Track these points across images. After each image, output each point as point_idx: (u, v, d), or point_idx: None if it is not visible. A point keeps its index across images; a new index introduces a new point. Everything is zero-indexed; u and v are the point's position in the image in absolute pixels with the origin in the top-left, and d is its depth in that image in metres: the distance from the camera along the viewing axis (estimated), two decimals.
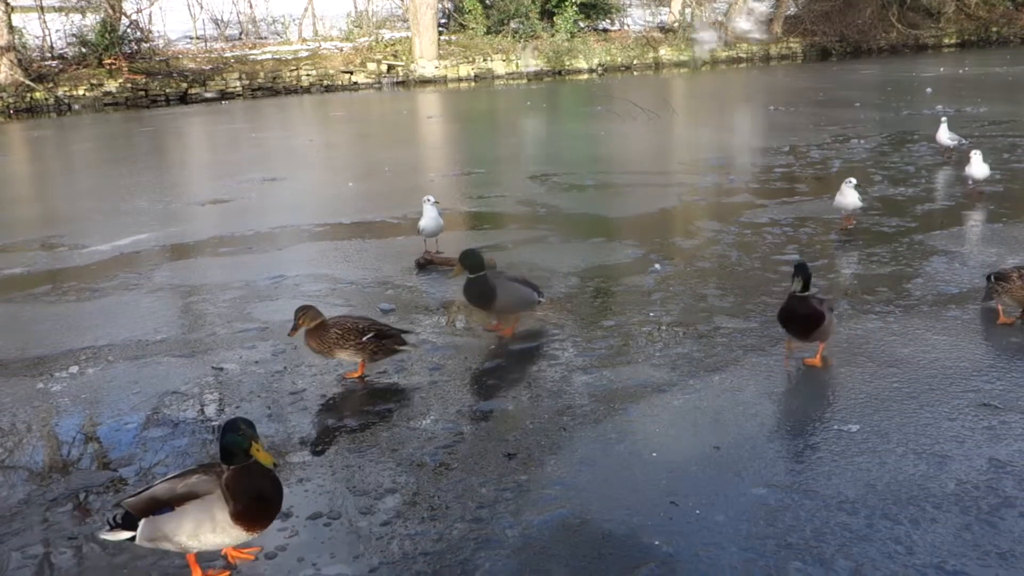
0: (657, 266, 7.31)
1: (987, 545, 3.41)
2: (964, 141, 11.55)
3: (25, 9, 31.43)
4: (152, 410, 4.99)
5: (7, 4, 28.31)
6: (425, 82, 33.30)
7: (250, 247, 8.79)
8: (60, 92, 28.44)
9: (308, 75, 32.48)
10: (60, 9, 31.86)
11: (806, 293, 4.94)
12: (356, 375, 5.30)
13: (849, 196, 8.28)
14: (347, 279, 7.43)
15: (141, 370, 5.58)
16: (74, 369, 5.62)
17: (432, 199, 7.88)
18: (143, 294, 7.29)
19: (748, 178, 11.29)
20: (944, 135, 11.34)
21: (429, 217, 7.76)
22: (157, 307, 6.92)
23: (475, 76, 34.36)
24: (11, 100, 27.53)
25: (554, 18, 35.93)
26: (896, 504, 3.70)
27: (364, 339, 5.08)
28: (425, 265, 7.65)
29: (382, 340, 5.15)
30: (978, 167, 9.50)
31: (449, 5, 37.60)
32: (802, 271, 4.95)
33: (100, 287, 7.54)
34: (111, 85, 29.26)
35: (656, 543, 3.51)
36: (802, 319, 4.97)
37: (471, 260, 5.67)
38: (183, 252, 8.78)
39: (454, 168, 13.66)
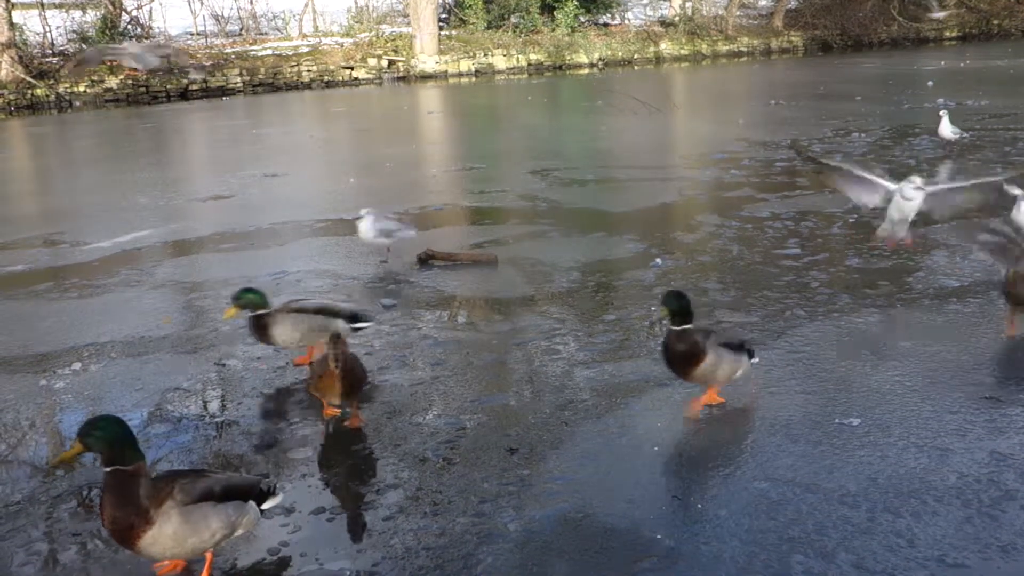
0: (658, 260, 7.32)
1: (988, 538, 3.42)
2: (966, 135, 11.53)
3: (26, 6, 31.42)
4: (155, 406, 5.00)
5: (8, 1, 28.29)
6: (425, 77, 33.27)
7: (252, 243, 8.79)
8: (61, 89, 28.42)
9: (309, 71, 32.46)
10: (60, 5, 31.85)
11: (686, 327, 4.27)
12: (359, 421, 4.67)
13: (913, 199, 6.58)
14: (349, 274, 7.43)
15: (144, 367, 5.59)
16: (77, 366, 5.63)
17: (364, 212, 7.51)
18: (145, 290, 7.30)
19: (749, 172, 11.28)
20: (946, 129, 11.32)
21: (362, 230, 7.47)
22: (159, 303, 6.93)
23: (475, 71, 34.33)
24: (12, 97, 27.52)
25: (554, 12, 35.89)
26: (898, 497, 3.71)
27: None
28: (426, 260, 7.66)
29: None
30: None
31: (449, 0, 37.55)
32: (670, 301, 4.26)
33: (102, 284, 7.55)
34: (112, 82, 29.25)
35: (658, 537, 3.52)
36: (673, 357, 4.34)
37: (244, 300, 5.13)
38: (185, 248, 8.79)
39: (455, 163, 13.65)
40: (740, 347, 4.50)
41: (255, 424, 4.72)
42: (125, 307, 6.86)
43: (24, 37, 30.03)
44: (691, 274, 6.95)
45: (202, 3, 36.43)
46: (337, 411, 4.71)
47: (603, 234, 8.45)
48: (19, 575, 3.51)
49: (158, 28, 34.08)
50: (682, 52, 37.67)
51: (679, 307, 4.25)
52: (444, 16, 36.76)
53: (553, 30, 35.75)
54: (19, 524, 3.84)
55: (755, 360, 4.64)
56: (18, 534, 3.76)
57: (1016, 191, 7.02)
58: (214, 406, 5.01)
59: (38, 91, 27.93)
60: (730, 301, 6.26)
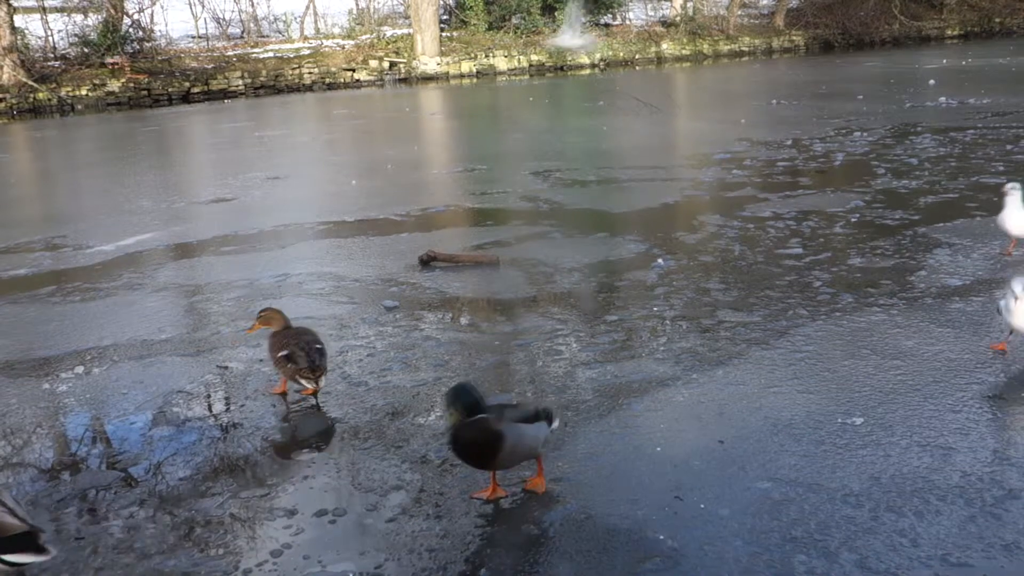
0: (660, 261, 7.31)
1: (992, 537, 3.41)
2: None
3: (27, 10, 31.50)
4: (158, 409, 5.01)
5: (9, 5, 28.35)
6: (427, 79, 33.30)
7: (254, 245, 8.80)
8: (63, 92, 28.46)
9: (310, 73, 32.49)
10: (62, 9, 31.93)
11: (477, 416, 3.63)
12: (279, 390, 5.13)
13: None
14: (351, 276, 7.44)
15: (146, 369, 5.60)
16: (80, 369, 5.64)
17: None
18: (147, 294, 7.31)
19: (751, 172, 11.27)
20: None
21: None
22: (161, 306, 6.94)
23: (477, 72, 34.36)
24: (14, 101, 27.57)
25: (555, 13, 35.91)
26: (901, 497, 3.70)
27: (278, 355, 4.89)
28: (428, 262, 7.66)
29: (289, 364, 4.82)
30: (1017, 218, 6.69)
31: (450, 1, 37.58)
32: (459, 400, 3.60)
33: (104, 287, 7.57)
34: (114, 85, 29.32)
35: (661, 537, 3.51)
36: (468, 451, 3.67)
37: None
38: (187, 251, 8.80)
39: (457, 164, 13.66)
40: (536, 416, 3.86)
41: (258, 426, 4.72)
42: (127, 310, 6.87)
43: (26, 41, 30.10)
44: (693, 274, 6.95)
45: (203, 6, 36.48)
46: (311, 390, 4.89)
47: (605, 235, 8.45)
48: None
49: (160, 32, 34.13)
50: (683, 52, 37.68)
51: (467, 405, 3.60)
52: (445, 17, 36.80)
53: (554, 31, 35.77)
54: None
55: (555, 425, 4.01)
56: None
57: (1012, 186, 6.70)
58: (217, 408, 5.02)
59: (40, 95, 27.99)
60: (732, 301, 6.26)
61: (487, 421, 3.63)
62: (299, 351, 4.82)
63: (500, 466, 3.79)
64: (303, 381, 4.80)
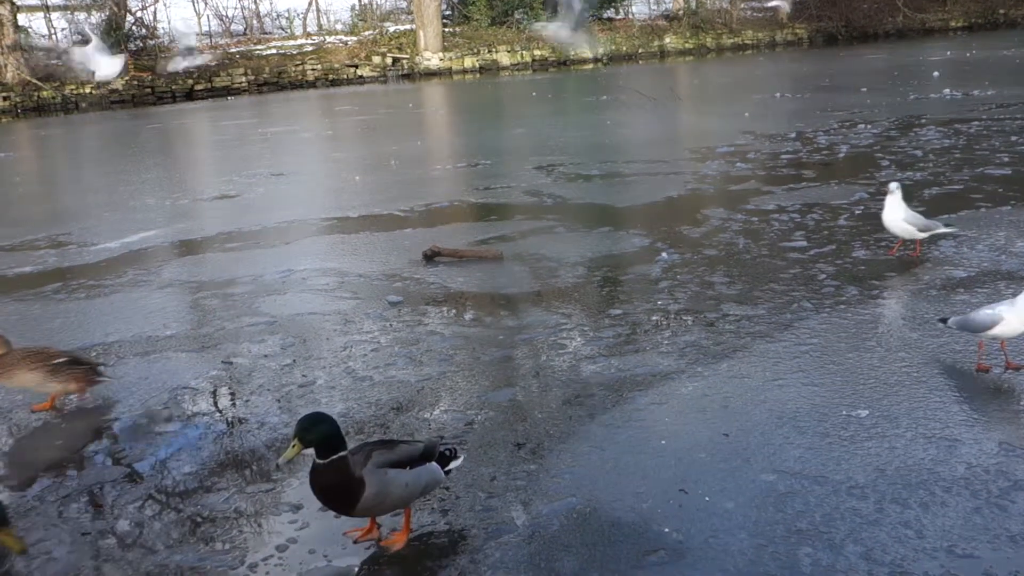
0: (664, 255, 7.31)
1: (997, 528, 3.40)
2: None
3: (31, 8, 31.55)
4: (163, 405, 5.02)
5: (13, 4, 28.40)
6: (430, 75, 33.28)
7: (258, 242, 8.81)
8: (67, 90, 28.50)
9: (313, 69, 32.50)
10: (66, 8, 31.97)
11: (336, 455, 3.25)
12: (47, 406, 5.05)
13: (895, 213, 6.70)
14: (355, 272, 7.44)
15: (151, 366, 5.61)
16: None
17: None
18: (152, 290, 7.32)
19: (755, 165, 11.25)
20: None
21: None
22: (166, 303, 6.95)
23: (479, 68, 34.33)
24: (19, 99, 27.61)
25: (557, 9, 35.86)
26: (906, 488, 3.70)
27: (55, 363, 4.88)
28: (432, 257, 7.66)
29: (76, 366, 4.96)
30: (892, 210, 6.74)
31: None
32: (306, 432, 3.23)
33: (109, 284, 7.58)
34: (117, 83, 29.31)
35: (666, 530, 3.51)
36: (324, 495, 3.31)
37: None
38: (191, 248, 8.81)
39: (460, 160, 13.65)
40: (422, 457, 3.51)
41: (263, 421, 4.73)
42: (132, 307, 6.88)
43: (30, 40, 30.13)
44: (697, 267, 6.94)
45: (206, 3, 36.50)
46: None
47: (608, 229, 8.44)
48: (29, 574, 3.52)
49: (163, 29, 34.16)
50: (687, 46, 37.61)
51: (319, 438, 3.22)
52: (448, 13, 36.77)
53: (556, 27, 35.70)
54: (29, 524, 3.86)
55: (457, 462, 3.68)
56: (28, 533, 3.78)
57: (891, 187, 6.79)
58: (222, 404, 5.02)
59: (44, 93, 28.02)
60: (736, 294, 6.25)
61: (346, 464, 3.26)
62: (71, 354, 5.05)
63: (362, 514, 3.41)
64: (98, 374, 5.08)
